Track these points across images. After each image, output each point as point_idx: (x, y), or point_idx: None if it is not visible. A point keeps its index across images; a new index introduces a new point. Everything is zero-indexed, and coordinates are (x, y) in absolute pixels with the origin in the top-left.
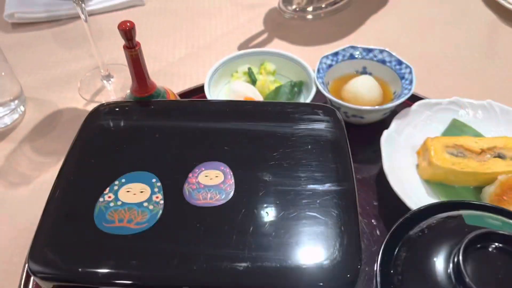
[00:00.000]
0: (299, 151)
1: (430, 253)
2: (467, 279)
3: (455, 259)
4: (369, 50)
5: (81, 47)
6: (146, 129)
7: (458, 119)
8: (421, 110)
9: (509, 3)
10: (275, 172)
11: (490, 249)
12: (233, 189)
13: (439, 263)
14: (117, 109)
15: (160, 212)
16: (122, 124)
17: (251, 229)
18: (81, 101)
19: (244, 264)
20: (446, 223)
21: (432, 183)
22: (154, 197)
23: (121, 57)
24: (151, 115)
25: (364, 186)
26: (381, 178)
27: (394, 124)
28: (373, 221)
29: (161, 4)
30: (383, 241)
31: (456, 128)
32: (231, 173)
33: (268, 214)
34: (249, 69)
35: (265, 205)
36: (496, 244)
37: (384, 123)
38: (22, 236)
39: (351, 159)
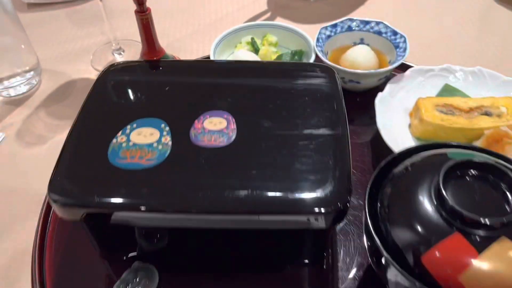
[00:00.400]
0: (297, 102)
1: (414, 185)
2: (448, 200)
3: (436, 184)
4: (366, 22)
5: (93, 26)
6: (155, 83)
7: (450, 84)
8: (414, 75)
9: None
10: (274, 120)
11: (468, 176)
12: (235, 134)
13: (422, 192)
14: (128, 66)
15: (168, 151)
16: (133, 78)
17: (251, 165)
18: (93, 72)
19: (244, 192)
20: (430, 159)
21: (423, 140)
22: (162, 139)
23: (131, 34)
24: (160, 72)
25: (359, 147)
26: (376, 141)
27: (388, 87)
28: (366, 173)
29: None
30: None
31: (447, 92)
32: (233, 120)
33: (267, 152)
34: (252, 38)
35: (264, 146)
36: (474, 171)
37: (379, 90)
38: (39, 191)
39: (345, 109)
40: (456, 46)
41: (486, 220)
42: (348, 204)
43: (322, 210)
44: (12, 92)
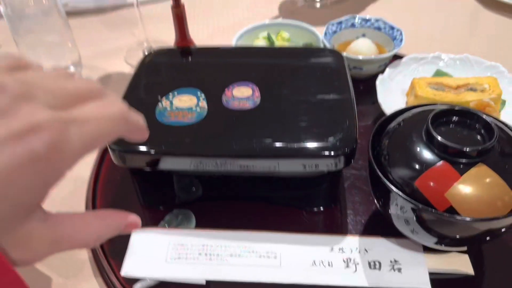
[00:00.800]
0: (310, 76)
1: (407, 131)
2: (435, 136)
3: (426, 126)
4: (367, 20)
5: (125, 29)
6: (190, 62)
7: (440, 69)
8: (409, 62)
9: None
10: (292, 89)
11: (450, 122)
12: (259, 99)
13: (414, 135)
14: (167, 51)
15: (205, 112)
16: (172, 59)
17: (274, 121)
18: (126, 67)
19: (269, 140)
20: (420, 113)
21: None
22: (200, 103)
23: (157, 37)
24: (194, 54)
25: (363, 128)
26: (378, 120)
27: (387, 71)
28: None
29: None
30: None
31: (439, 76)
32: (258, 89)
33: (287, 112)
34: (268, 34)
35: (284, 108)
36: (455, 117)
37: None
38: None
39: (350, 81)
40: (446, 41)
41: (466, 149)
42: (354, 149)
43: (333, 153)
44: None
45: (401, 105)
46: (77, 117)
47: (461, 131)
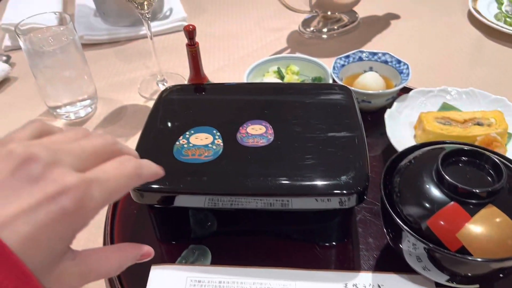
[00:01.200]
0: (321, 113)
1: (418, 171)
2: (445, 177)
3: (436, 166)
4: (374, 53)
5: (138, 61)
6: (205, 99)
7: (447, 102)
8: (416, 96)
9: (490, 21)
10: (303, 126)
11: (460, 162)
12: (273, 136)
13: (425, 175)
14: (183, 88)
15: (221, 150)
16: (187, 96)
17: (288, 158)
18: (141, 99)
19: (283, 179)
20: (430, 152)
21: None
22: (215, 141)
23: (171, 68)
24: (209, 91)
25: (372, 159)
26: (386, 153)
27: (395, 105)
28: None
29: (202, 28)
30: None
31: (445, 109)
32: (271, 127)
33: (300, 149)
34: (278, 68)
35: (296, 145)
36: (465, 158)
37: (387, 108)
38: None
39: (360, 117)
40: (451, 72)
41: (476, 190)
42: (366, 186)
43: (346, 191)
44: (72, 116)
45: (410, 138)
46: (98, 177)
47: (471, 171)
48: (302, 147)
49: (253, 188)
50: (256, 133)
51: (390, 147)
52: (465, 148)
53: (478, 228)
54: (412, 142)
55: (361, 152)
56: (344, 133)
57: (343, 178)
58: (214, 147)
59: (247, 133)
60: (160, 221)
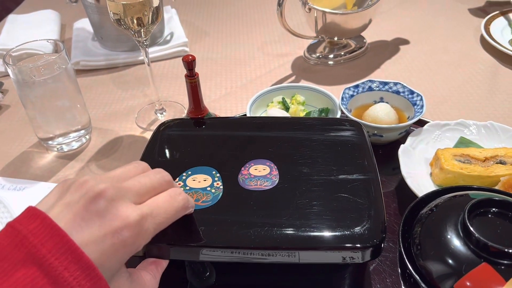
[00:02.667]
0: (331, 151)
1: (441, 223)
2: (474, 233)
3: (462, 220)
4: (385, 83)
5: (136, 88)
6: (204, 136)
7: (465, 137)
8: (432, 129)
9: (504, 47)
10: (312, 167)
11: (489, 213)
12: (278, 178)
13: (449, 228)
14: (180, 122)
15: (221, 194)
16: (186, 132)
17: (294, 205)
18: (138, 130)
19: (289, 230)
20: (454, 199)
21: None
22: (215, 184)
23: (170, 96)
24: (208, 127)
25: (385, 196)
26: (400, 190)
27: (409, 140)
28: (393, 218)
29: (204, 54)
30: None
31: (463, 144)
32: (276, 167)
33: (307, 194)
34: (283, 98)
35: (304, 188)
36: (494, 209)
37: (399, 144)
38: None
39: (374, 157)
40: (467, 103)
41: (509, 250)
42: (383, 240)
43: (360, 245)
44: (65, 148)
45: (426, 176)
46: (152, 211)
47: (502, 224)
48: (310, 191)
49: (255, 240)
50: (260, 174)
51: (403, 184)
52: (495, 198)
53: None
54: (428, 181)
55: (376, 198)
56: (356, 175)
57: (357, 229)
58: (213, 190)
59: (250, 174)
60: None
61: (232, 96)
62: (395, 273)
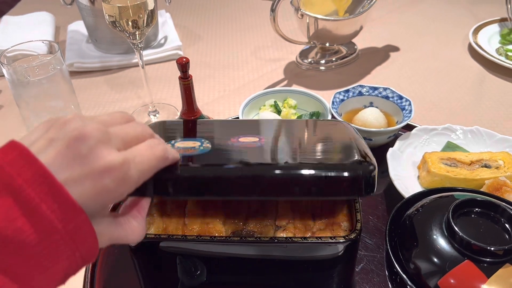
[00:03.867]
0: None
1: (426, 222)
2: (457, 232)
3: (446, 219)
4: (375, 88)
5: (130, 91)
6: (195, 131)
7: (452, 141)
8: (420, 134)
9: (491, 55)
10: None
11: (473, 213)
12: (265, 142)
13: (434, 227)
14: (170, 123)
15: (209, 149)
16: (177, 128)
17: (282, 155)
18: None
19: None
20: (438, 200)
21: None
22: (203, 145)
23: (163, 99)
24: (200, 126)
25: (373, 198)
26: (388, 192)
27: (397, 143)
28: (381, 219)
29: (197, 58)
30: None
31: (450, 148)
32: (264, 139)
33: (297, 150)
34: (275, 102)
35: (293, 147)
36: (477, 209)
37: (388, 148)
38: None
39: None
40: (455, 109)
41: (492, 248)
42: (374, 171)
43: (354, 175)
44: None
45: (413, 179)
46: (135, 158)
47: (484, 224)
48: (298, 148)
49: (244, 170)
50: (248, 141)
51: (391, 187)
52: (478, 199)
53: None
54: (416, 184)
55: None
56: (339, 142)
57: (348, 163)
58: (202, 147)
59: (239, 141)
60: (144, 268)
61: (225, 99)
62: (382, 272)
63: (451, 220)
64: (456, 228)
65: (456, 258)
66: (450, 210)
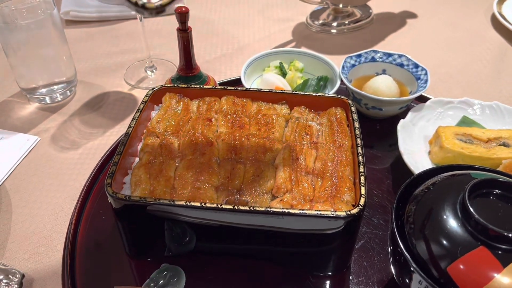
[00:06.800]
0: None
1: (438, 202)
2: (473, 214)
3: (461, 200)
4: (389, 55)
5: (127, 44)
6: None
7: (468, 116)
8: (434, 106)
9: None
10: None
11: (491, 194)
12: None
13: (447, 207)
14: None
15: None
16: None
17: None
18: (126, 86)
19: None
20: (452, 179)
21: None
22: None
23: (162, 54)
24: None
25: (379, 172)
26: (395, 166)
27: (409, 115)
28: (386, 195)
29: (198, 12)
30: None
31: (465, 123)
32: None
33: None
34: (281, 63)
35: None
36: (497, 190)
37: (398, 120)
38: (72, 189)
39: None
40: (472, 82)
41: (509, 234)
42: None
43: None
44: (48, 100)
45: (424, 154)
46: None
47: (504, 208)
48: None
49: None
50: None
51: (399, 161)
52: (500, 179)
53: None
54: (426, 159)
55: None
56: None
57: None
58: None
59: None
60: (129, 232)
61: (227, 58)
62: (383, 251)
63: (467, 201)
64: (471, 210)
65: (470, 243)
66: (467, 190)
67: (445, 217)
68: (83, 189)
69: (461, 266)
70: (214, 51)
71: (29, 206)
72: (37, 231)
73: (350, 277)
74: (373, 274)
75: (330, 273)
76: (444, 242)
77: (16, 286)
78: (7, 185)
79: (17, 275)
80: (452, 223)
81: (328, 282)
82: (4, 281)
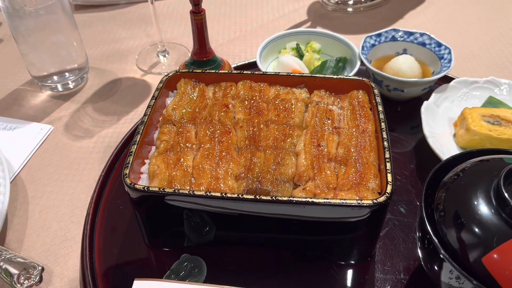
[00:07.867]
0: None
1: (470, 188)
2: (510, 201)
3: (496, 186)
4: (410, 33)
5: (138, 28)
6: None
7: (494, 96)
8: (459, 86)
9: None
10: None
11: None
12: None
13: (480, 195)
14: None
15: None
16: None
17: None
18: (138, 72)
19: None
20: (484, 164)
21: (468, 149)
22: None
23: (174, 38)
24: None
25: (402, 155)
26: (419, 149)
27: (433, 96)
28: (409, 179)
29: None
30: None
31: (491, 104)
32: None
33: None
34: (297, 44)
35: None
36: None
37: (420, 102)
38: (88, 178)
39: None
40: (497, 61)
41: None
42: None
43: None
44: (60, 87)
45: (449, 137)
46: None
47: None
48: None
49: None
50: None
51: (422, 144)
52: None
53: None
54: (451, 142)
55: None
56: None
57: None
58: None
59: None
60: (148, 222)
61: (241, 41)
62: (409, 239)
63: (502, 187)
64: (507, 197)
65: (506, 233)
66: (502, 176)
67: (478, 205)
68: (99, 179)
69: (497, 257)
70: (228, 33)
71: (45, 196)
72: (54, 222)
73: (375, 266)
74: (399, 262)
75: (354, 262)
76: (478, 231)
77: (36, 279)
78: (22, 175)
79: (37, 269)
80: (486, 211)
81: (352, 271)
82: (25, 275)
